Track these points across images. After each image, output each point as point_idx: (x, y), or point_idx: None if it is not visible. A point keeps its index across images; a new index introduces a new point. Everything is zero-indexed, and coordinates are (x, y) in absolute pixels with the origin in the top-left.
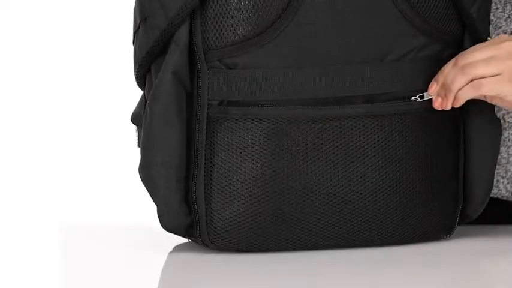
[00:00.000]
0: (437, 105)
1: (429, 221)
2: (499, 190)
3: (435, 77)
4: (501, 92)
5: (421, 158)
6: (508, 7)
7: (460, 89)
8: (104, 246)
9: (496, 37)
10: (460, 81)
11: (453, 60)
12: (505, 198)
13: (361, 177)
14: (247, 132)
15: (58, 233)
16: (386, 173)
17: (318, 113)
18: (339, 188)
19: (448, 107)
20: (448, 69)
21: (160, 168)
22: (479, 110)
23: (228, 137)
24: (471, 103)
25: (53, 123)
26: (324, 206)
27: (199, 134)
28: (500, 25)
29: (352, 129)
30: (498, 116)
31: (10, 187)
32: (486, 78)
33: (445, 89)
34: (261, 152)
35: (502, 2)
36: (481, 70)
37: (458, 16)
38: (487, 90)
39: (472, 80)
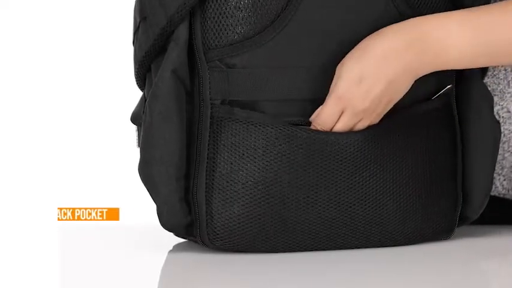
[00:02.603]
0: None
1: (429, 223)
2: (495, 187)
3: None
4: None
5: (421, 161)
6: None
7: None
8: (104, 246)
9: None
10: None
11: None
12: (501, 195)
13: (361, 182)
14: (250, 135)
15: (58, 233)
16: (386, 177)
17: None
18: (339, 193)
19: None
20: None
21: (160, 167)
22: (479, 114)
23: (231, 138)
24: (470, 107)
25: (53, 123)
26: (324, 211)
27: (202, 133)
28: None
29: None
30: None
31: (10, 187)
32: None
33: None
34: (263, 155)
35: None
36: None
37: None
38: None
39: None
